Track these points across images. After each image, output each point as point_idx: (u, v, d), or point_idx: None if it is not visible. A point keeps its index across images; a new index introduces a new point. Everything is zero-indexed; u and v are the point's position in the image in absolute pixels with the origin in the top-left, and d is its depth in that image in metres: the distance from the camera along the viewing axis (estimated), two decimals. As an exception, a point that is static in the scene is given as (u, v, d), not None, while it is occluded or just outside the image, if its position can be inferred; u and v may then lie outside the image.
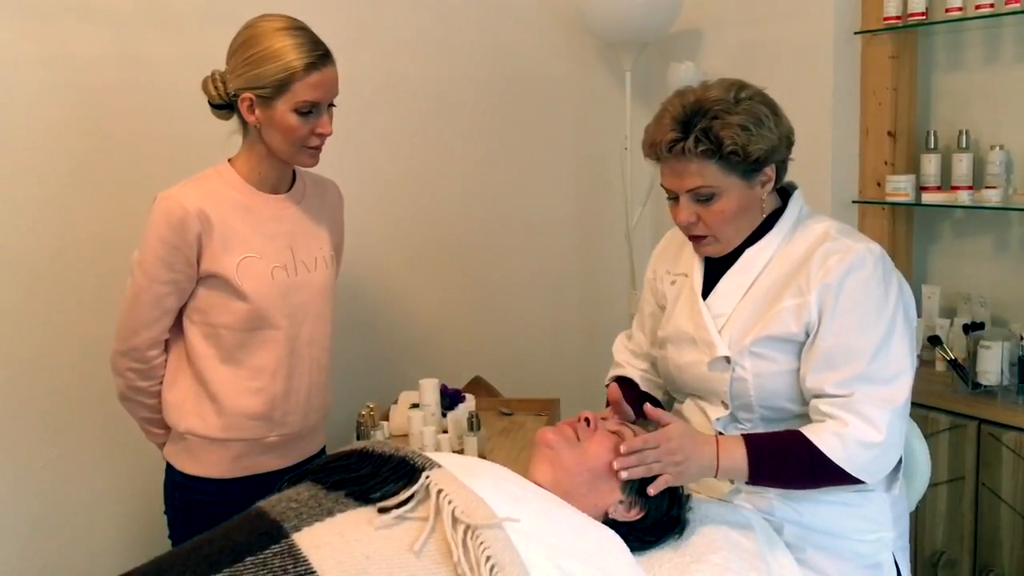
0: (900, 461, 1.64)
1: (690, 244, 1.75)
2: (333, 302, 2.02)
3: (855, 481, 1.56)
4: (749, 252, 1.68)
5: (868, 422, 1.53)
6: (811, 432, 1.55)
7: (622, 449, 1.54)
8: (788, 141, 1.65)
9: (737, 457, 1.55)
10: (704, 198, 1.62)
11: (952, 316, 2.60)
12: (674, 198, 1.66)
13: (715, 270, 1.73)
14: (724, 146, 1.56)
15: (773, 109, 1.63)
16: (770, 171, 1.63)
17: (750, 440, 1.57)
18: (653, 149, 1.63)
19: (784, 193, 1.73)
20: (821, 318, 1.57)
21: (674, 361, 1.77)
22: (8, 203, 2.35)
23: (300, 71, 1.78)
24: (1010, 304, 2.54)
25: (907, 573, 1.72)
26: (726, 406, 1.68)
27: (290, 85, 1.79)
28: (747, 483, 1.59)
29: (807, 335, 1.60)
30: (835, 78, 2.68)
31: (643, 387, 1.92)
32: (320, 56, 1.81)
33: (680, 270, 1.81)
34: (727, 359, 1.65)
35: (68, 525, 2.51)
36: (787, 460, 1.56)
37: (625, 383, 1.91)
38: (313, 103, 1.81)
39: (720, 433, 1.65)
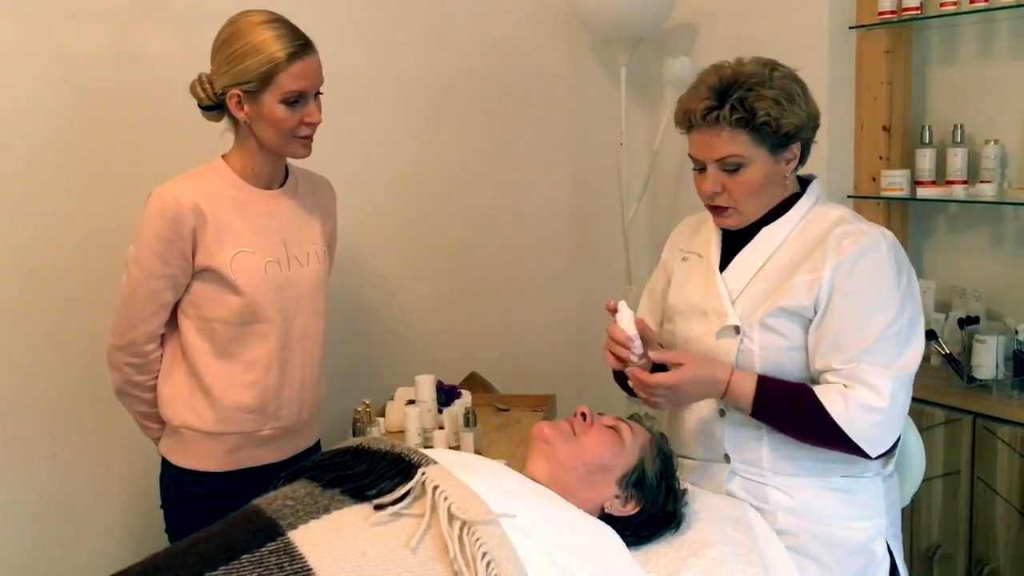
0: (896, 445, 1.65)
1: (706, 225, 1.82)
2: (326, 297, 2.02)
3: (853, 449, 1.58)
4: (766, 230, 1.72)
5: (872, 389, 1.57)
6: (818, 389, 1.60)
7: (640, 379, 1.64)
8: (814, 122, 1.70)
9: (747, 389, 1.63)
10: (731, 168, 1.66)
11: (947, 311, 2.60)
12: (701, 168, 1.70)
13: (730, 249, 1.76)
14: (758, 116, 1.61)
15: (804, 89, 1.68)
16: (796, 148, 1.68)
17: (763, 378, 1.64)
18: (687, 116, 1.67)
19: (803, 183, 1.78)
20: (832, 296, 1.61)
21: (681, 334, 1.80)
22: (4, 200, 2.35)
23: (283, 61, 1.79)
24: (1005, 298, 2.54)
25: (901, 560, 1.72)
26: None
27: (275, 76, 1.80)
28: (750, 413, 1.64)
29: (815, 311, 1.63)
30: (830, 73, 2.67)
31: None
32: (301, 45, 1.82)
33: (694, 249, 1.84)
34: (736, 329, 1.68)
35: (67, 520, 2.51)
36: (791, 405, 1.62)
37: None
38: (299, 92, 1.82)
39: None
